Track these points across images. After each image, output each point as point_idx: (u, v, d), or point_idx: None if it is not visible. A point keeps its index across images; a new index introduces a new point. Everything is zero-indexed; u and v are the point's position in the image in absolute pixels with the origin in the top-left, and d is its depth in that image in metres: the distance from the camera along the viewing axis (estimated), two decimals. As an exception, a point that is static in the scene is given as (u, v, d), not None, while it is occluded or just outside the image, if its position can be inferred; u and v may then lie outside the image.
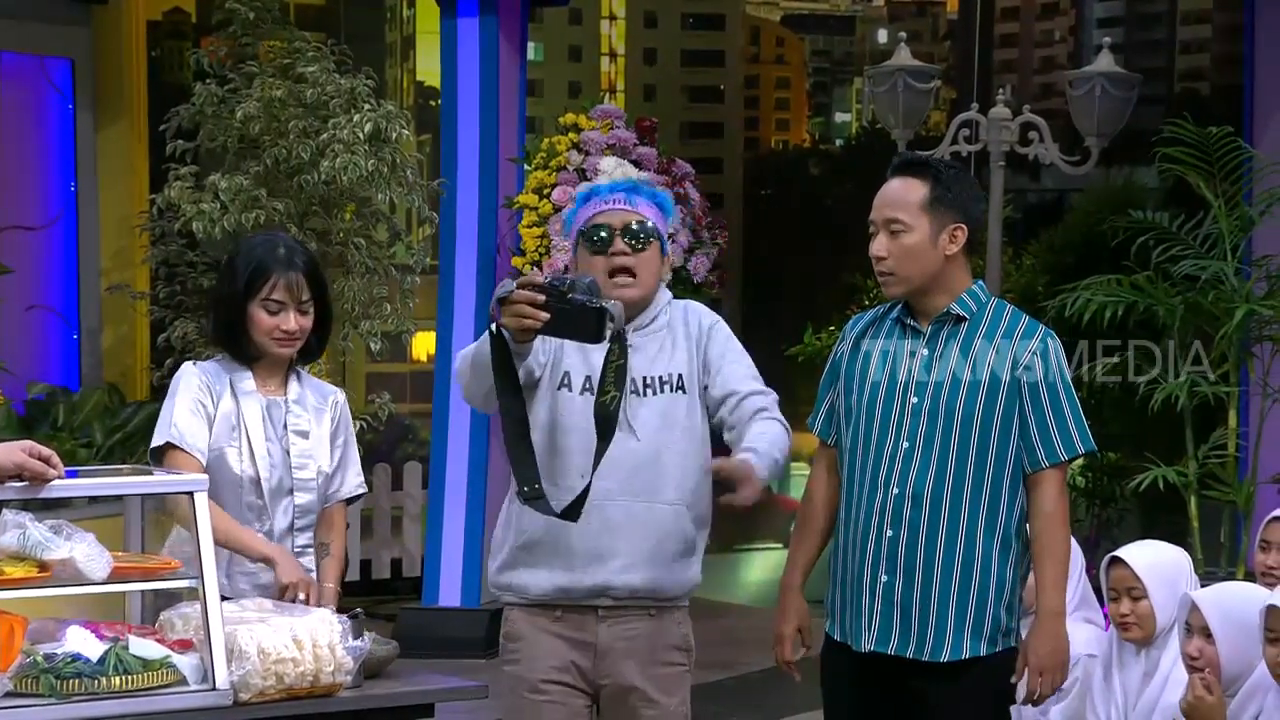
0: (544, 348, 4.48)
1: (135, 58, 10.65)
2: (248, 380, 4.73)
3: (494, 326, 4.22)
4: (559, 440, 4.48)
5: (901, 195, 4.51)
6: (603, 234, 4.54)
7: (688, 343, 4.59)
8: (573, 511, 4.34)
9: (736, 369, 4.57)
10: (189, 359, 4.87)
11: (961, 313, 4.53)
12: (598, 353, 4.42)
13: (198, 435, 4.62)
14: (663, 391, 4.52)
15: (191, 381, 4.69)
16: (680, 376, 4.55)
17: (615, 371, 4.28)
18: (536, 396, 4.50)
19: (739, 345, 4.64)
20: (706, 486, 4.59)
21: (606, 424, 4.28)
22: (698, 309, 4.68)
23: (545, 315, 4.17)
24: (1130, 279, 8.34)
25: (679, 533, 4.54)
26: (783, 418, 4.52)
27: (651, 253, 4.57)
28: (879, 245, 4.51)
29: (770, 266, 15.73)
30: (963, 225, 4.51)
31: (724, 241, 9.67)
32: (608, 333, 4.23)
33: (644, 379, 4.52)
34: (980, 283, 4.64)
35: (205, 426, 4.64)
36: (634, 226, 4.54)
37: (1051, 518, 4.48)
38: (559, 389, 4.51)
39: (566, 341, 4.42)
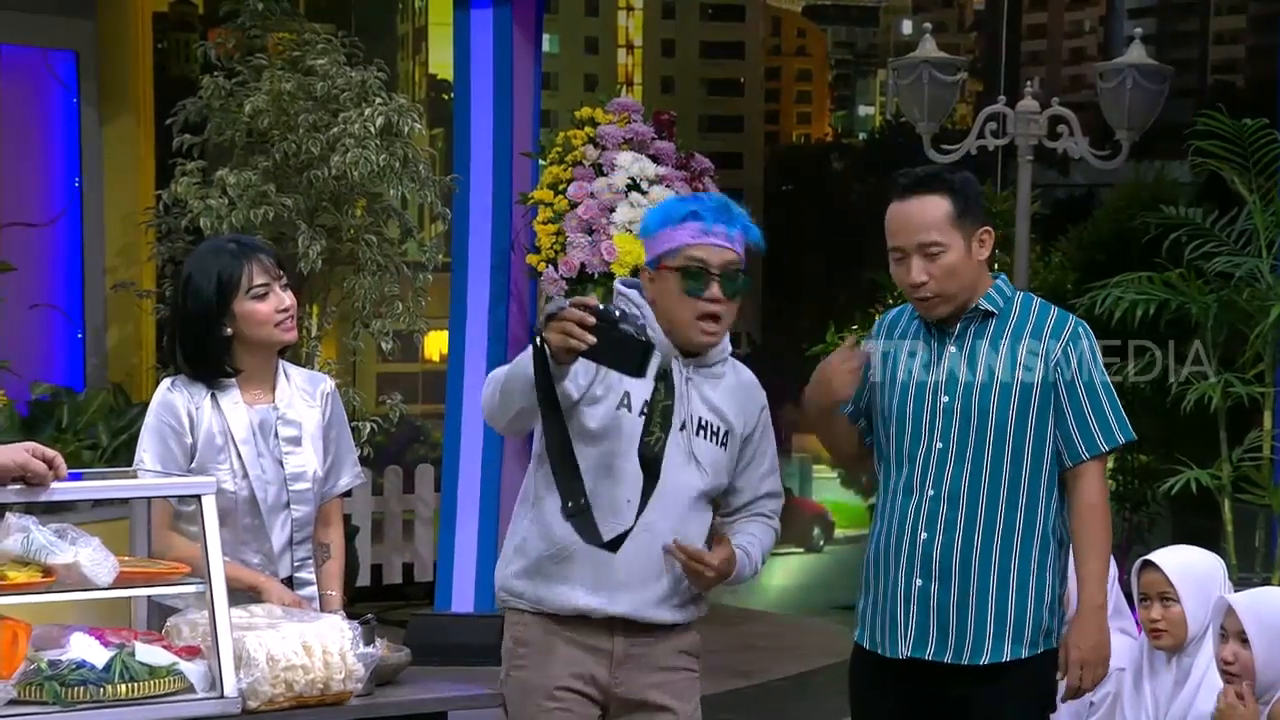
0: (584, 370, 4.35)
1: (141, 50, 10.65)
2: (232, 392, 4.56)
3: (538, 340, 4.13)
4: (615, 462, 4.37)
5: (927, 215, 4.42)
6: (701, 274, 4.37)
7: (740, 409, 4.50)
8: (616, 544, 4.30)
9: (761, 467, 4.57)
10: (167, 374, 4.70)
11: (990, 308, 4.47)
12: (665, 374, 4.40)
13: (169, 470, 4.51)
14: (712, 441, 4.45)
15: (165, 408, 4.57)
16: (729, 434, 4.48)
17: (661, 413, 4.29)
18: (592, 415, 4.36)
19: (772, 435, 4.61)
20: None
21: (653, 464, 4.30)
22: (751, 380, 4.59)
23: (591, 339, 4.07)
24: (1162, 276, 8.30)
25: None
26: (778, 523, 4.61)
27: (738, 301, 4.47)
28: (917, 271, 4.42)
29: (791, 264, 15.65)
30: (988, 228, 4.47)
31: (743, 238, 9.54)
32: (650, 370, 4.19)
33: (700, 419, 4.44)
34: (1004, 276, 4.58)
35: (180, 459, 4.53)
36: (733, 271, 4.40)
37: (1094, 510, 4.45)
38: (619, 409, 4.38)
39: None
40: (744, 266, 4.43)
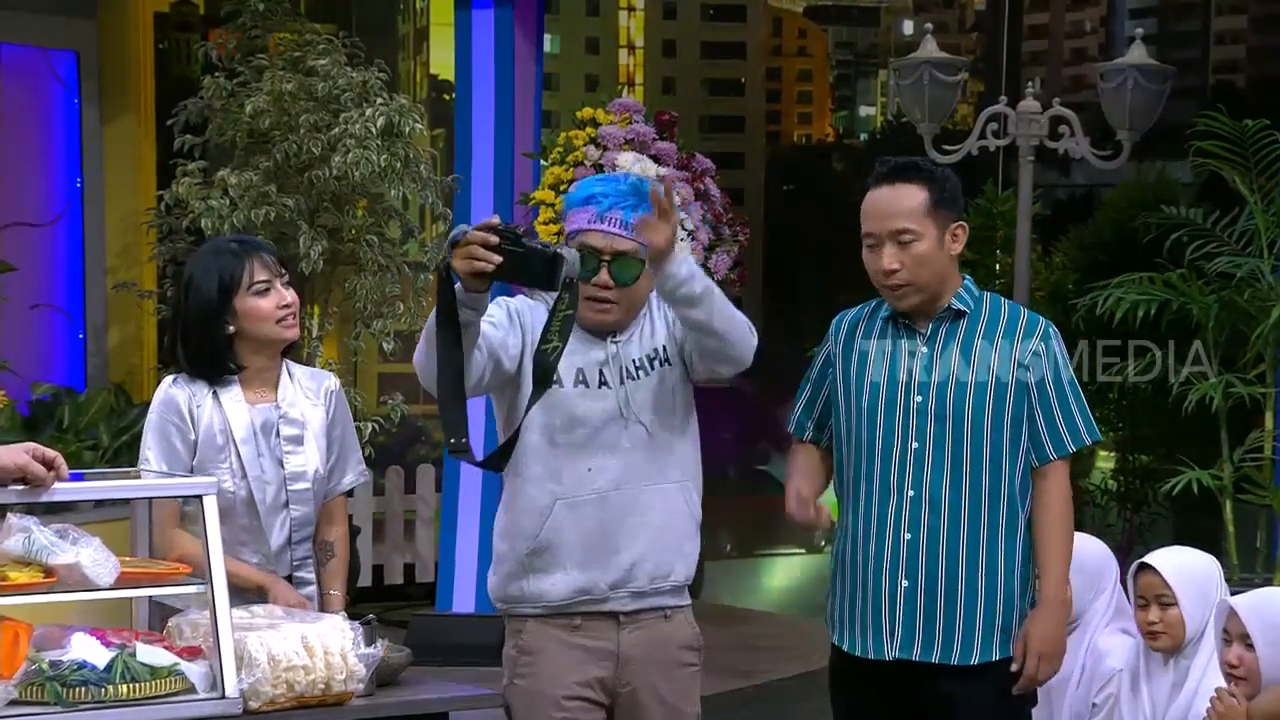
0: (513, 339, 4.40)
1: (142, 50, 10.63)
2: (234, 390, 4.56)
3: (444, 270, 4.13)
4: (562, 436, 4.43)
5: (902, 203, 4.43)
6: (590, 259, 4.40)
7: (663, 316, 4.52)
8: (499, 460, 4.34)
9: None
10: (169, 373, 4.71)
11: (961, 307, 4.49)
12: (599, 349, 4.42)
13: (173, 467, 4.53)
14: (652, 369, 4.47)
15: (167, 405, 4.58)
16: (664, 349, 4.49)
17: (561, 322, 4.20)
18: (529, 394, 4.36)
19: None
20: (698, 458, 4.56)
21: (545, 373, 4.23)
22: None
23: (497, 258, 4.07)
24: (1163, 277, 8.36)
25: (686, 510, 4.53)
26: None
27: (639, 285, 4.46)
28: (889, 258, 4.43)
29: (792, 264, 15.62)
30: (963, 223, 4.49)
31: (745, 238, 9.55)
32: (560, 280, 4.15)
33: (634, 362, 4.47)
34: (969, 277, 4.60)
35: (184, 455, 4.54)
36: (626, 259, 4.42)
37: (1060, 510, 4.48)
38: (575, 386, 4.43)
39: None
40: (644, 255, 4.39)
